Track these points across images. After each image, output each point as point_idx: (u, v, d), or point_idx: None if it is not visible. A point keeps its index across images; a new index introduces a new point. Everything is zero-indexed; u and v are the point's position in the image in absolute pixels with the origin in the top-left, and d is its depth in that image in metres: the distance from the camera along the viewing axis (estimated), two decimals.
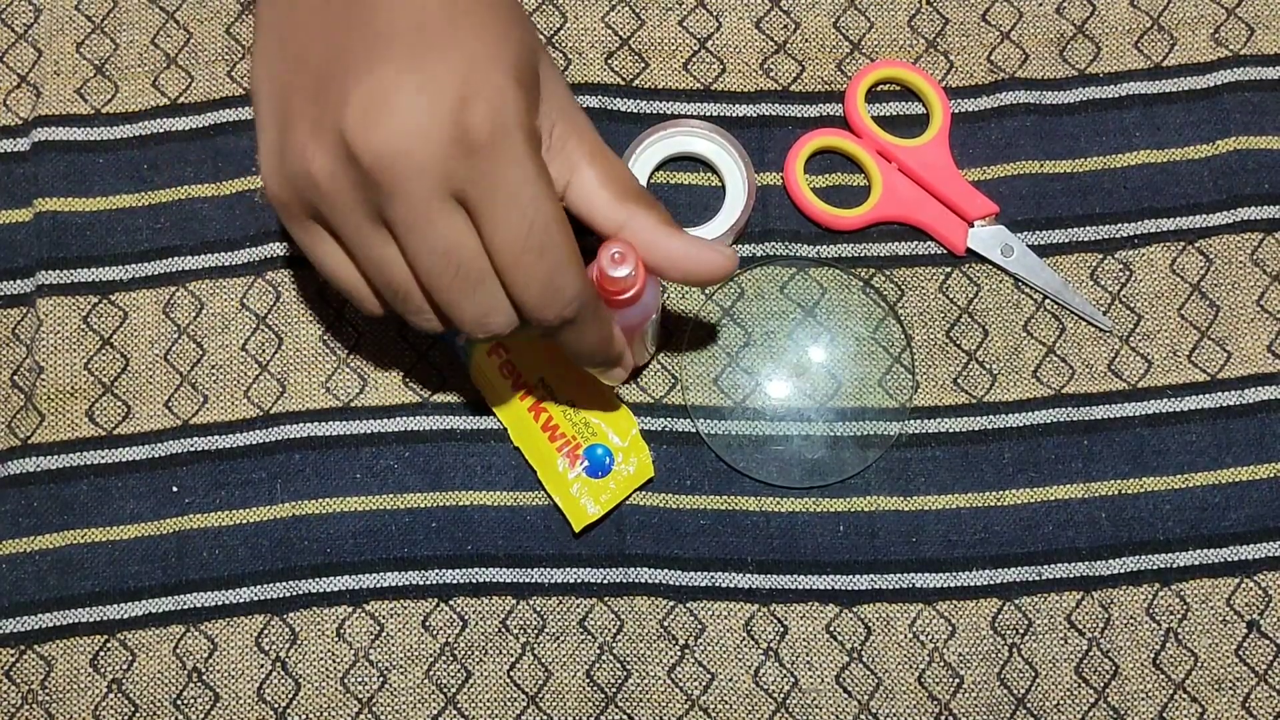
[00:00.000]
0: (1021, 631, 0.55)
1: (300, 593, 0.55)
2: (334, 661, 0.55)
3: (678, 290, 0.59)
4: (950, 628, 0.55)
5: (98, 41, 0.61)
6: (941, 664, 0.55)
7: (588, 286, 0.44)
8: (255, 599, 0.55)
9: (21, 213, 0.59)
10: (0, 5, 0.61)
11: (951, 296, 0.59)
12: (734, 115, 0.61)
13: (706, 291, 0.58)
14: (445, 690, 0.54)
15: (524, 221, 0.41)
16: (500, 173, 0.41)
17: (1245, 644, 0.55)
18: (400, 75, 0.40)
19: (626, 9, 0.61)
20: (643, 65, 0.61)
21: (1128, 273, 0.59)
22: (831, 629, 0.55)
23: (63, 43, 0.61)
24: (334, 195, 0.42)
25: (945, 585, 0.55)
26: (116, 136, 0.60)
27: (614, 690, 0.54)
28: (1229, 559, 0.56)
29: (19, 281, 0.58)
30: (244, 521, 0.56)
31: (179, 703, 0.54)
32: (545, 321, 0.44)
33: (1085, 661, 0.55)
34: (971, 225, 0.59)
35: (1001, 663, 0.55)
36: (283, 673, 0.55)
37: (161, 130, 0.60)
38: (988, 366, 0.58)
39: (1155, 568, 0.56)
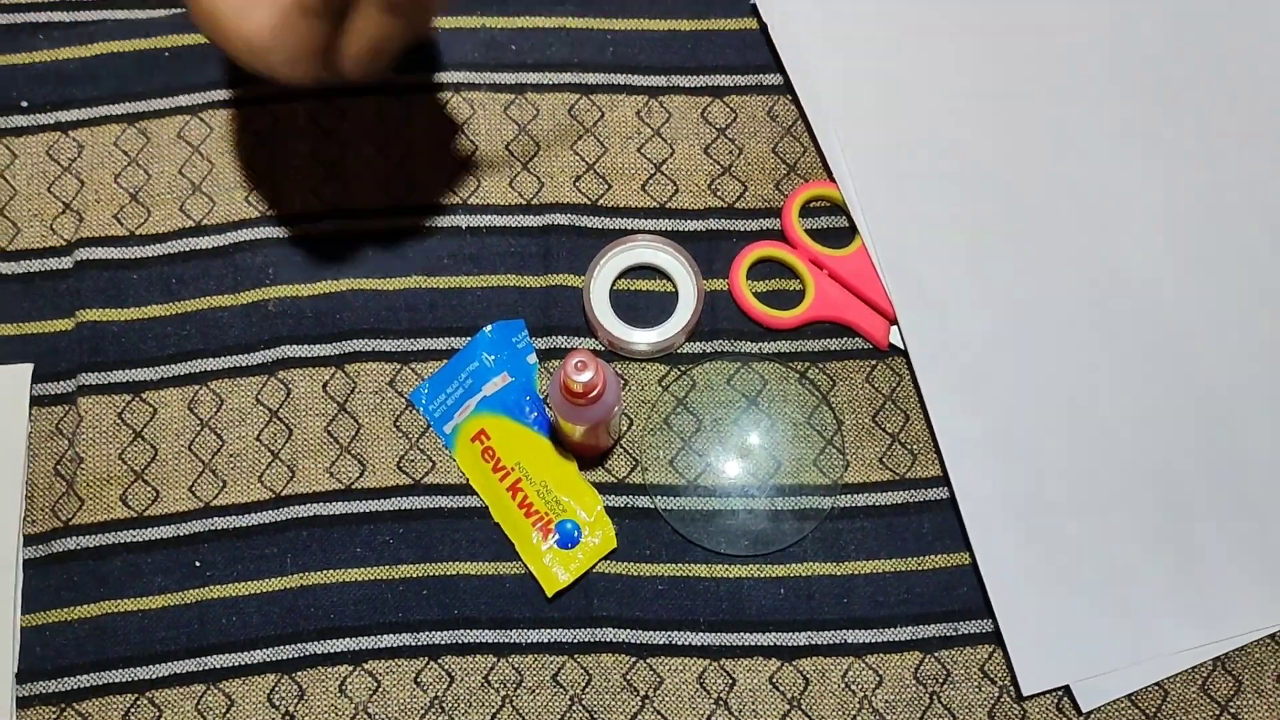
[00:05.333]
0: (941, 681, 0.61)
1: (307, 654, 0.61)
2: (336, 715, 0.60)
3: (637, 384, 0.65)
4: (878, 678, 0.61)
5: (132, 172, 0.68)
6: (870, 711, 0.61)
7: None
8: (267, 660, 0.61)
9: (65, 322, 0.66)
10: (49, 143, 0.69)
11: (877, 386, 0.66)
12: (686, 230, 0.68)
13: (663, 383, 0.66)
14: None
15: None
16: None
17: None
18: None
19: (593, 139, 0.69)
20: (606, 187, 0.68)
21: None
22: (774, 680, 0.61)
23: (102, 174, 0.68)
24: None
25: (873, 640, 0.61)
26: (148, 254, 0.67)
27: None
28: None
29: (62, 383, 0.65)
30: (258, 591, 0.61)
31: None
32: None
33: (998, 707, 0.61)
34: (893, 323, 0.66)
35: (923, 709, 0.60)
36: None
37: (187, 249, 0.67)
38: (909, 447, 0.65)
39: None
